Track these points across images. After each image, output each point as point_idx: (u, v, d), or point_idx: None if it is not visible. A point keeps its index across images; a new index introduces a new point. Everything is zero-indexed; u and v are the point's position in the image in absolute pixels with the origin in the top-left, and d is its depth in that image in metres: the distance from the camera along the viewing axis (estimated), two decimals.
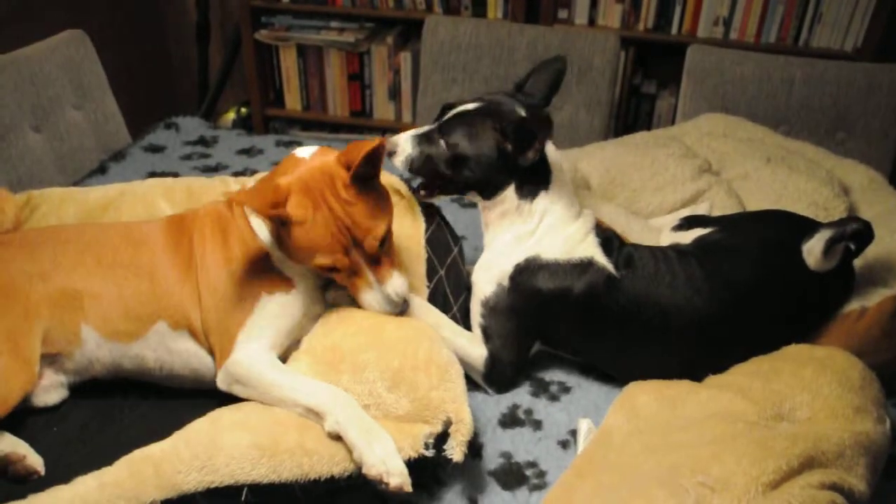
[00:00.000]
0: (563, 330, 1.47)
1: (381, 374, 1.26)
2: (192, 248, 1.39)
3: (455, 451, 1.20)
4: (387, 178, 1.78)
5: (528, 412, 1.42)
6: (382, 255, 1.34)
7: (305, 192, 1.28)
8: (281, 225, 1.29)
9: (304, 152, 1.37)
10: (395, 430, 1.20)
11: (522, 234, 1.46)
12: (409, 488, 1.14)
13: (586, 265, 1.42)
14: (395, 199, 1.75)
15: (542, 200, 1.46)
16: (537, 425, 1.39)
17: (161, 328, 1.36)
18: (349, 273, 1.34)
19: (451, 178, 1.46)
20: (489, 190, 1.46)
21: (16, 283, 1.33)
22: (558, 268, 1.42)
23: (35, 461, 1.23)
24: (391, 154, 1.47)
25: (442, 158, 1.44)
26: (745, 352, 1.41)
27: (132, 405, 1.39)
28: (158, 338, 1.36)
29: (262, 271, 1.37)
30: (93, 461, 1.17)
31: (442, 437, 1.21)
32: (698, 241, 1.54)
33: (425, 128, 1.48)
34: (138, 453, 1.16)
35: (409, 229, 1.56)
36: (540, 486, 1.27)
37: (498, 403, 1.44)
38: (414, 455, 1.18)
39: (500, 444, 1.34)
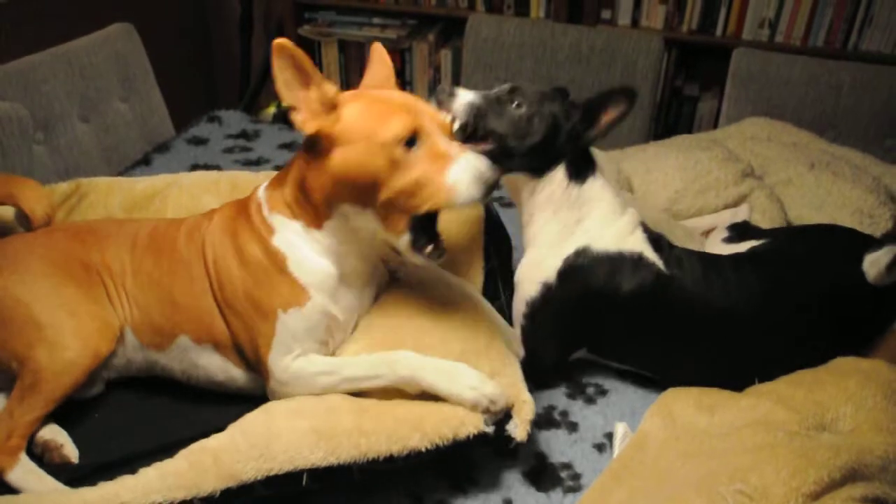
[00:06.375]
0: (608, 331, 1.44)
1: (445, 358, 1.26)
2: (206, 259, 1.33)
3: (518, 429, 1.20)
4: None
5: (564, 414, 1.41)
6: None
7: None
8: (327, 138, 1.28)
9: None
10: (458, 411, 1.20)
11: (570, 223, 1.40)
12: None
13: (636, 260, 1.38)
14: None
15: (591, 186, 1.41)
16: (573, 427, 1.38)
17: (183, 342, 1.33)
18: (417, 155, 1.19)
19: (506, 145, 1.35)
20: (543, 164, 1.38)
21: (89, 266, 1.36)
22: (609, 260, 1.38)
23: (71, 452, 1.26)
24: (441, 102, 1.34)
25: (510, 116, 1.35)
26: (797, 362, 1.38)
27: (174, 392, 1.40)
28: (182, 352, 1.34)
29: (275, 282, 1.27)
30: (134, 447, 1.22)
31: (503, 420, 1.21)
32: (753, 251, 1.51)
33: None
34: (196, 446, 1.17)
35: (469, 210, 1.56)
36: (575, 489, 1.26)
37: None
38: (474, 432, 1.18)
39: (535, 445, 1.34)
